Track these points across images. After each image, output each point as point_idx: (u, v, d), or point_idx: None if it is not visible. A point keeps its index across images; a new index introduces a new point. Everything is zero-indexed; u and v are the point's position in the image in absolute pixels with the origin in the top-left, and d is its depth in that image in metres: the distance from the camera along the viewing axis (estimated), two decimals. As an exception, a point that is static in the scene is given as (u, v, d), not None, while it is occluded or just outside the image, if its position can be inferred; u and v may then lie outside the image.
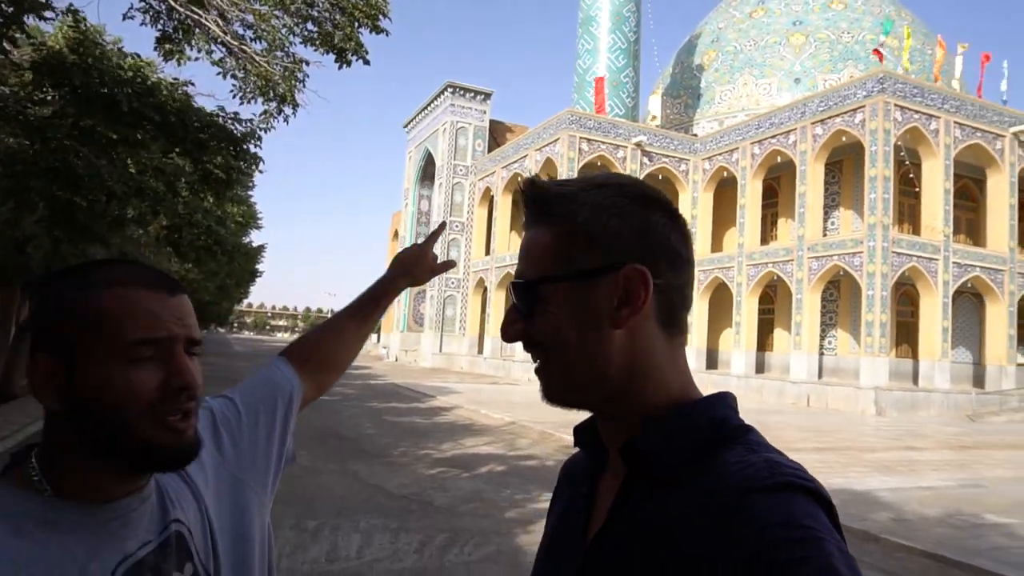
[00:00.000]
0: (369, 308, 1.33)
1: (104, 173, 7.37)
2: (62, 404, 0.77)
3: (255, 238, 39.19)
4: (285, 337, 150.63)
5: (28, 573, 0.72)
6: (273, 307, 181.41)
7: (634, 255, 0.71)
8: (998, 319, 24.72)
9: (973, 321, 27.24)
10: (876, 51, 25.92)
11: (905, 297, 26.49)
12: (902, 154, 23.42)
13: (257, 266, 26.94)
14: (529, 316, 0.73)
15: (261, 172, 8.41)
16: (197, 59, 7.05)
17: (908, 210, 26.16)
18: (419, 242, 1.42)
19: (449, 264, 1.43)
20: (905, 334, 26.47)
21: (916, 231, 24.85)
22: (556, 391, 0.74)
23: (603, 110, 31.30)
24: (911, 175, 24.38)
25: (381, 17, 6.67)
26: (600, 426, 0.78)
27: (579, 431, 0.83)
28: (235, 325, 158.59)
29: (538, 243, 0.75)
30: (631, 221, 0.72)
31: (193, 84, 7.94)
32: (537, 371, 0.75)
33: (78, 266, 0.83)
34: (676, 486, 0.66)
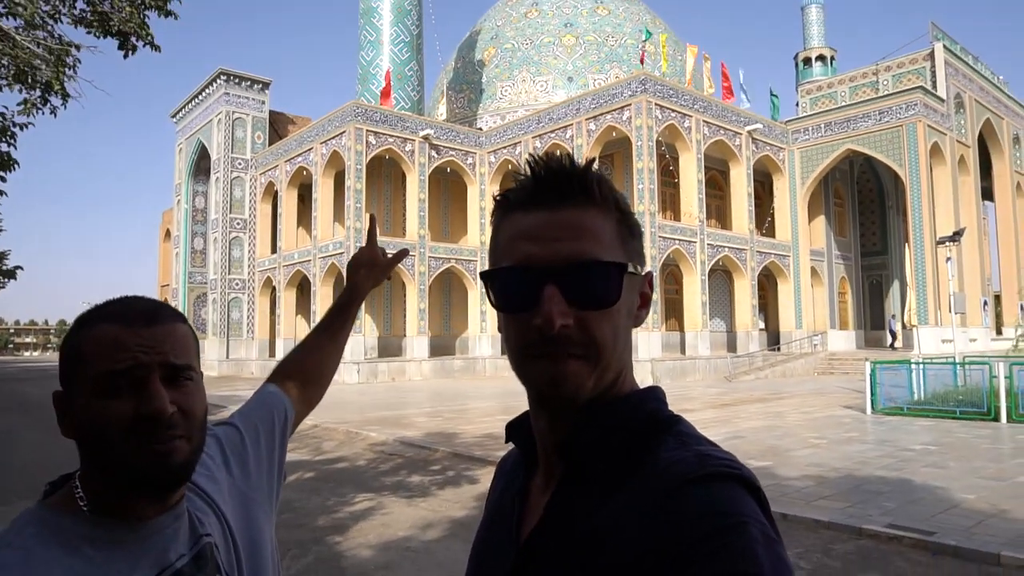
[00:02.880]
0: (338, 320, 1.37)
1: None
2: (70, 432, 0.86)
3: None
4: (34, 355, 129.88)
5: None
6: (17, 322, 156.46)
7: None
8: (743, 292, 28.62)
9: (725, 295, 31.26)
10: (643, 55, 28.60)
11: (671, 276, 29.66)
12: (663, 148, 26.14)
13: (-1, 278, 22.95)
14: (597, 304, 0.68)
15: (12, 171, 6.96)
16: None
17: (670, 199, 29.26)
18: (362, 244, 1.46)
19: (403, 254, 1.47)
20: (672, 309, 29.67)
21: (677, 217, 27.88)
22: (587, 390, 0.69)
23: (390, 102, 31.07)
24: (671, 167, 27.31)
25: None
26: (535, 422, 0.76)
27: (512, 427, 0.81)
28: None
29: (598, 225, 0.70)
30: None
31: None
32: (561, 365, 0.67)
33: (94, 307, 0.90)
34: (610, 486, 0.66)
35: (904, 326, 32.45)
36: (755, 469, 8.23)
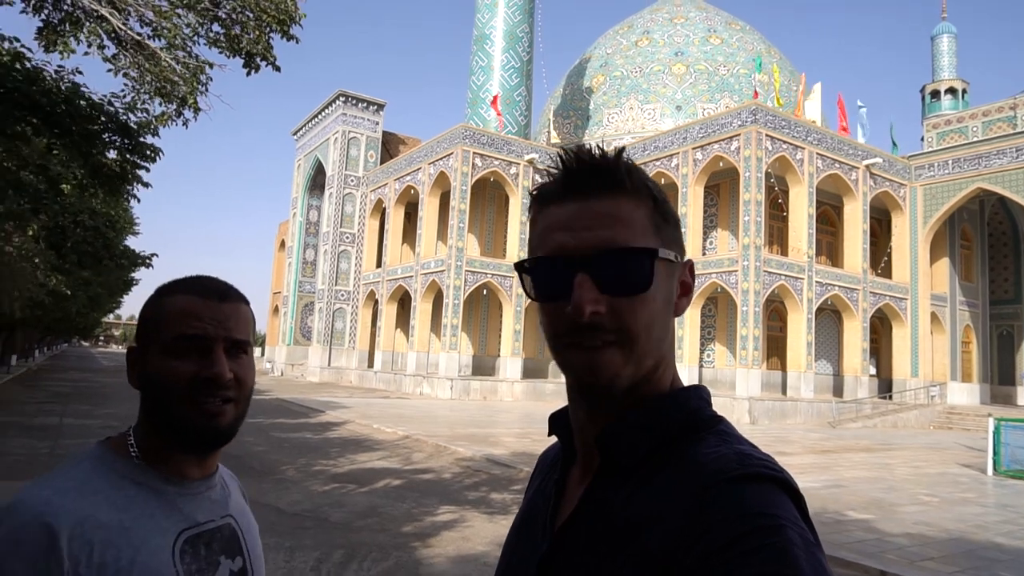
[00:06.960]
0: None
1: (-28, 164, 6.59)
2: (136, 383, 0.99)
3: (131, 244, 36.53)
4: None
5: (122, 518, 0.89)
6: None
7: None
8: (854, 334, 27.05)
9: (833, 335, 29.66)
10: (755, 93, 27.95)
11: (775, 313, 28.47)
12: (772, 180, 25.29)
13: (133, 275, 24.98)
14: (628, 290, 0.67)
15: (155, 162, 7.73)
16: (87, 53, 6.45)
17: (777, 232, 28.21)
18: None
19: None
20: (775, 347, 28.43)
21: (784, 252, 26.80)
22: (624, 378, 0.69)
23: (500, 124, 31.79)
24: (780, 200, 26.36)
25: (292, 23, 6.40)
26: (573, 414, 0.76)
27: (554, 419, 0.81)
28: (101, 339, 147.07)
29: (630, 213, 0.69)
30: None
31: (81, 73, 7.23)
32: (595, 353, 0.68)
33: (173, 280, 1.04)
34: (647, 478, 0.66)
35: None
36: (852, 521, 7.75)
